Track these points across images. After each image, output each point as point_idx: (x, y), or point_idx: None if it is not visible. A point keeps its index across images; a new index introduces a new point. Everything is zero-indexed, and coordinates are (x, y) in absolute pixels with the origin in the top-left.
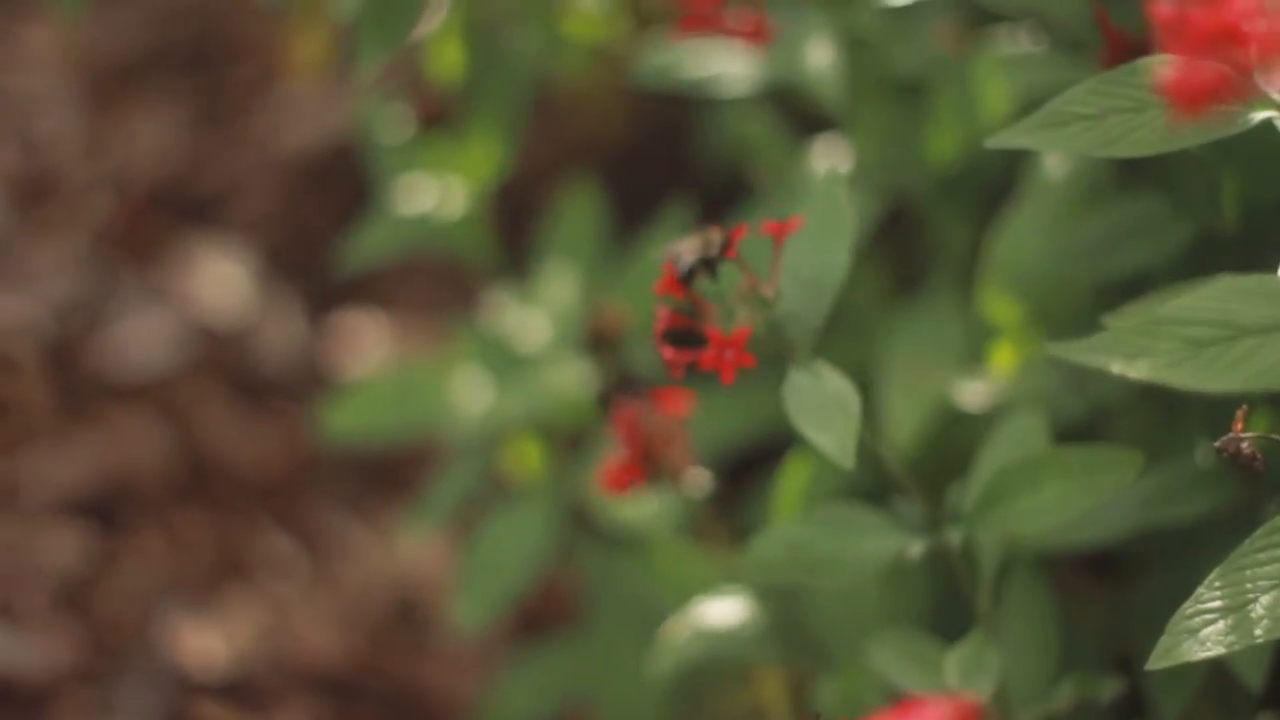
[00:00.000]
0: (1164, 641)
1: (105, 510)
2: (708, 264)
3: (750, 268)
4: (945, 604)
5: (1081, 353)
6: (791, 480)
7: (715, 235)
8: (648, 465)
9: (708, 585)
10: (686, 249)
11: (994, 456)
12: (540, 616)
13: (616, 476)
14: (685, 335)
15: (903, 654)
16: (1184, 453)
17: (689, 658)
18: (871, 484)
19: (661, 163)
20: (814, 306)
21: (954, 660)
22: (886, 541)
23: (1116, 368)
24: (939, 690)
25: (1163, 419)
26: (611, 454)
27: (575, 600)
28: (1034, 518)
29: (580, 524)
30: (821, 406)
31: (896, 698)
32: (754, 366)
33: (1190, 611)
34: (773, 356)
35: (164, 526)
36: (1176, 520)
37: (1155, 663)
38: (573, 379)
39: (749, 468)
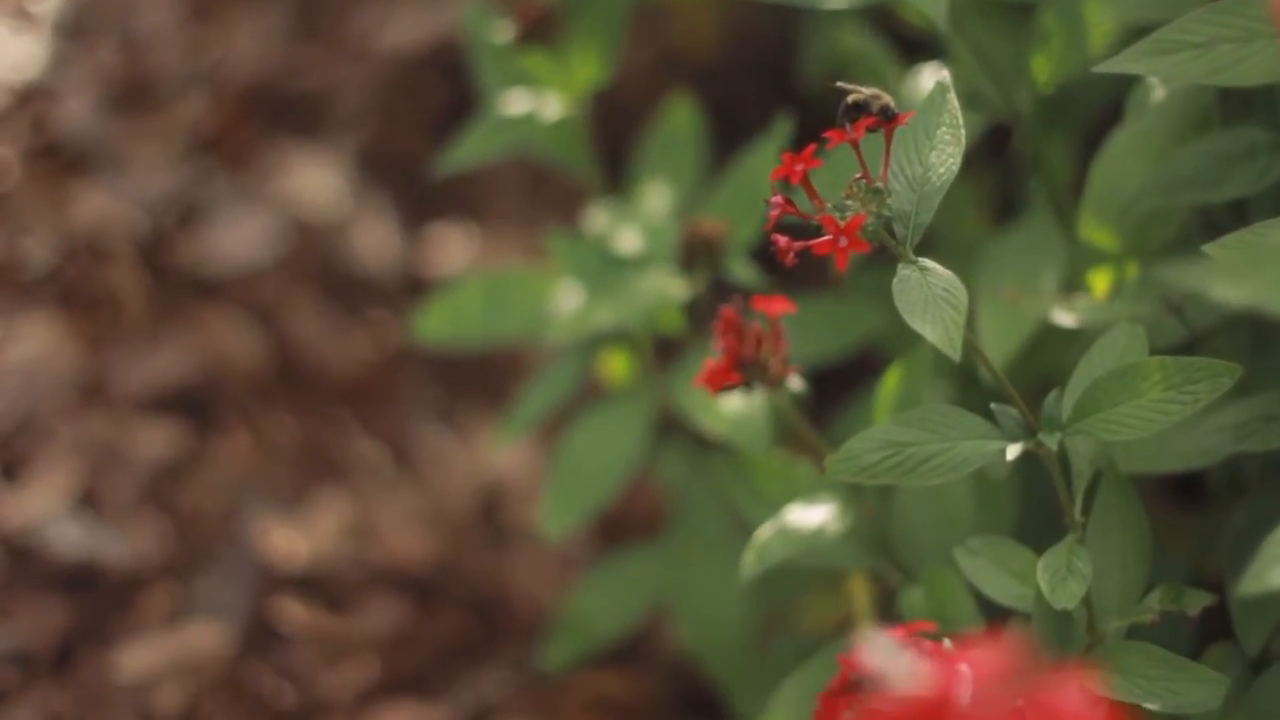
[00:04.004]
0: (1255, 566)
1: (194, 406)
2: (866, 107)
3: (865, 163)
4: (1034, 516)
5: (1186, 277)
6: (890, 386)
7: (887, 95)
8: (746, 367)
9: (798, 492)
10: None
11: (1093, 365)
12: (624, 523)
13: (714, 377)
14: (796, 229)
15: (993, 560)
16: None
17: (776, 561)
18: (966, 398)
19: (752, 74)
20: (923, 204)
21: (1044, 566)
22: (984, 444)
23: (1220, 293)
24: (1026, 599)
25: (1259, 347)
26: (710, 355)
27: (660, 507)
28: (1132, 424)
29: (668, 432)
30: (929, 299)
31: (983, 605)
32: (865, 255)
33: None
34: (871, 263)
35: (252, 424)
36: (1270, 447)
37: (1246, 588)
38: (666, 287)
39: (836, 385)
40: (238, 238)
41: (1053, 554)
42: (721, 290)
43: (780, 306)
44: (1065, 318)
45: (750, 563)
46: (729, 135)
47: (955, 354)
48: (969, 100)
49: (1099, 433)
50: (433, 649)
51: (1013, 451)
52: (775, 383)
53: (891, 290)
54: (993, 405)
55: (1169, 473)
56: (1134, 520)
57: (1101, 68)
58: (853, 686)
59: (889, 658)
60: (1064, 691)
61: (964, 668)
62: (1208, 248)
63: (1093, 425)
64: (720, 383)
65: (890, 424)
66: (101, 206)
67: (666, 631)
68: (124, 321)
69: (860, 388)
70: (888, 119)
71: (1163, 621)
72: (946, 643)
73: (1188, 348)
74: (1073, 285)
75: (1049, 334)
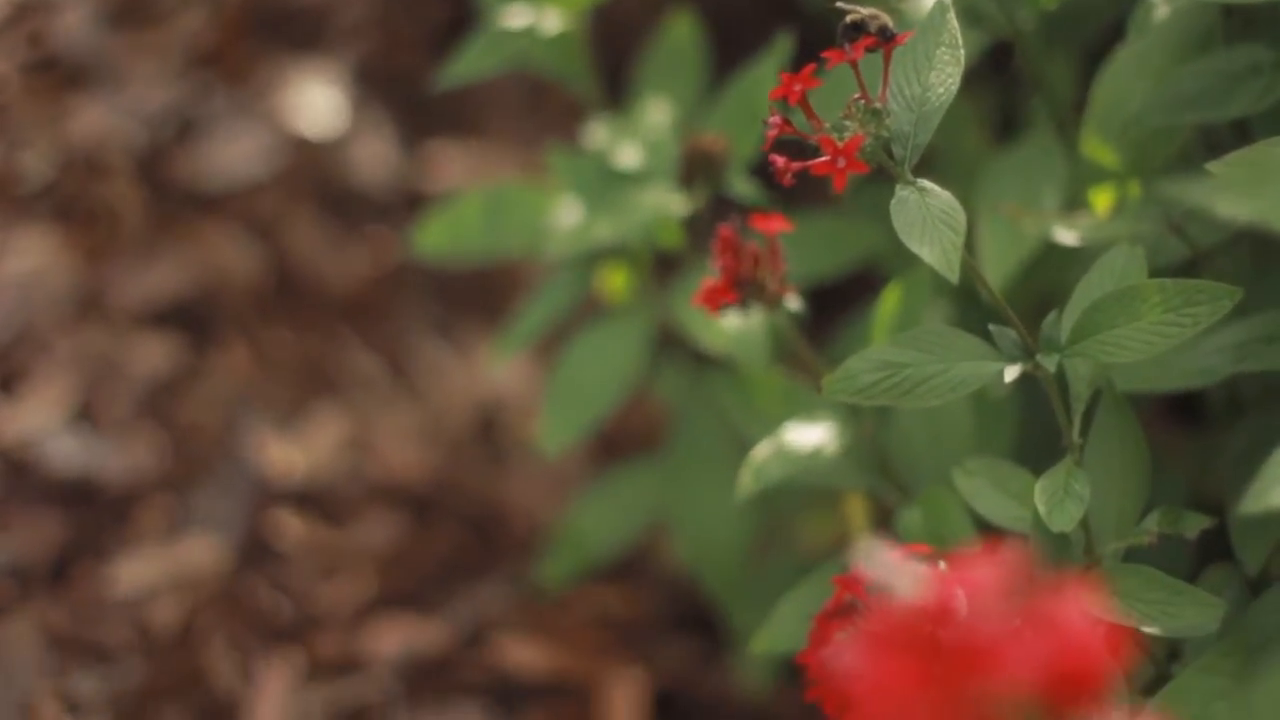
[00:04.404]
0: (1256, 486)
1: (192, 320)
2: (864, 27)
3: (864, 83)
4: (1033, 437)
5: (1189, 194)
6: (888, 305)
7: (885, 15)
8: (744, 286)
9: (796, 410)
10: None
11: (1092, 287)
12: (622, 439)
13: (712, 296)
14: (794, 148)
15: (991, 480)
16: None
17: (774, 481)
18: (965, 318)
19: None
20: (921, 125)
21: (1042, 488)
22: (982, 365)
23: (1223, 210)
24: (1024, 520)
25: (1260, 266)
26: (709, 273)
27: (659, 424)
28: (1130, 346)
29: (668, 349)
30: (927, 220)
31: (981, 526)
32: (865, 174)
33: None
34: (871, 181)
35: (250, 338)
36: (1270, 367)
37: (1247, 507)
38: (666, 202)
39: (836, 302)
40: (235, 153)
41: (1050, 476)
42: (721, 206)
43: (778, 225)
44: (1066, 236)
45: (747, 482)
46: (729, 51)
47: (953, 276)
48: (970, 17)
49: (1097, 355)
50: (430, 564)
51: (1010, 373)
52: (773, 302)
53: (889, 210)
54: (990, 326)
55: (1168, 393)
56: (1132, 442)
57: None
58: (847, 608)
59: (886, 572)
60: (1063, 604)
61: (962, 583)
62: (1211, 166)
63: (1091, 347)
64: (718, 302)
65: (888, 345)
66: (99, 120)
67: (664, 548)
68: (121, 235)
69: (861, 305)
70: (886, 39)
71: (1161, 543)
72: (942, 564)
73: (1189, 267)
74: (1074, 204)
75: (1049, 253)
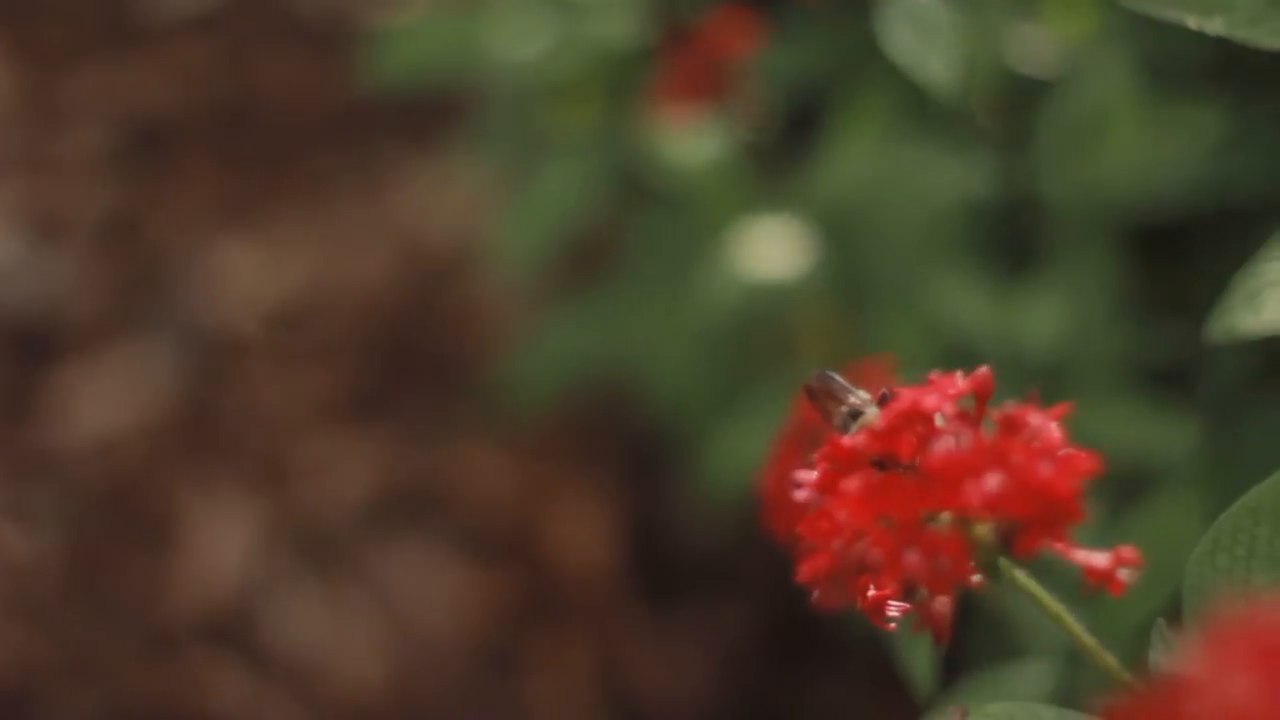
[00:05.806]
0: (1217, 313)
1: (155, 138)
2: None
3: None
4: (1009, 255)
5: (1158, 6)
6: (866, 117)
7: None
8: (706, 81)
9: (763, 233)
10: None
11: (1070, 103)
12: (582, 269)
13: (672, 88)
14: None
15: (965, 289)
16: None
17: (735, 309)
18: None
19: None
20: None
21: (1017, 296)
22: (960, 179)
23: (1193, 22)
24: (995, 329)
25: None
26: (669, 66)
27: (620, 260)
28: (1108, 158)
29: (630, 179)
30: (923, 30)
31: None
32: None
33: (1247, 280)
34: None
35: (215, 157)
36: (1246, 171)
37: (1213, 335)
38: (625, 21)
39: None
40: None
41: (1025, 285)
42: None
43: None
44: (1034, 59)
45: (708, 311)
46: None
47: (949, 87)
48: None
49: (1077, 168)
50: (392, 383)
51: (989, 187)
52: (737, 102)
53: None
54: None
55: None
56: (1105, 256)
57: None
58: (805, 431)
59: (842, 391)
60: (1034, 417)
61: (924, 400)
62: None
63: (1070, 162)
64: (678, 94)
65: (866, 156)
66: None
67: (625, 375)
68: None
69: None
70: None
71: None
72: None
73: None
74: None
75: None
